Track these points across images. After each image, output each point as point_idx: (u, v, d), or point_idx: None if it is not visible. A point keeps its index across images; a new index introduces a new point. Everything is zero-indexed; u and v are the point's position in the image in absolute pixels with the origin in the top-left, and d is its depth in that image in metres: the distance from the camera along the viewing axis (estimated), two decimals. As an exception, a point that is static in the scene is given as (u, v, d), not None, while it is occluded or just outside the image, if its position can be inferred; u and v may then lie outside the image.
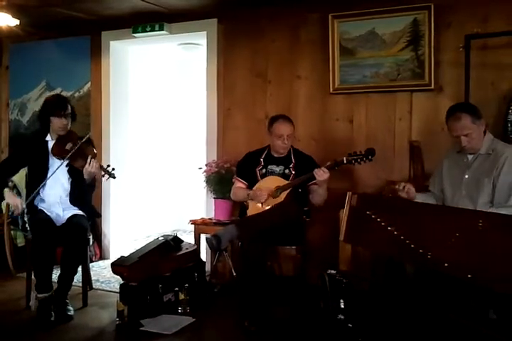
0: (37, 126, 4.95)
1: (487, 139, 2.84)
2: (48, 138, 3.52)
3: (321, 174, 3.28)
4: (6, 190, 3.41)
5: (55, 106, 3.46)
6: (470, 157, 2.87)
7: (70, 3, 4.24)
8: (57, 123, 3.44)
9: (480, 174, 2.78)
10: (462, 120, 2.77)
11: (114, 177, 3.34)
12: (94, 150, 3.49)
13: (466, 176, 2.83)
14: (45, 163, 3.45)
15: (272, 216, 3.28)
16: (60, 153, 3.40)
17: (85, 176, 3.35)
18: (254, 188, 3.51)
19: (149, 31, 4.51)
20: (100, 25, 4.77)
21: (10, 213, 3.42)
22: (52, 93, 5.00)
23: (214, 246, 3.20)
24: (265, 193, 3.41)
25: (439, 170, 3.03)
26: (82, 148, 3.38)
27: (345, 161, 3.31)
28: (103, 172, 3.33)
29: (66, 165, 3.43)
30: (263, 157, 3.62)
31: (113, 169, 3.33)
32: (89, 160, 3.29)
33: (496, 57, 3.50)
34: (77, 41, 4.95)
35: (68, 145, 3.40)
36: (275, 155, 3.61)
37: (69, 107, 3.50)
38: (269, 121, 3.62)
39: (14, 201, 3.38)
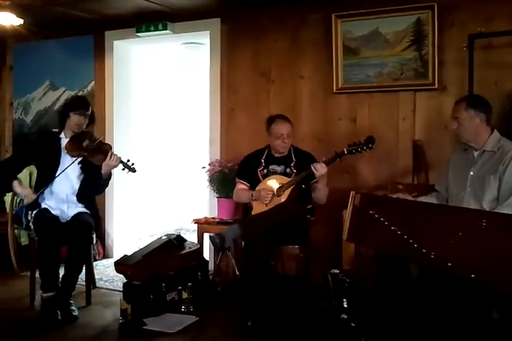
0: (41, 123, 5.04)
1: (494, 137, 2.85)
2: (62, 135, 3.56)
3: (319, 169, 3.27)
4: (15, 182, 3.44)
5: (79, 103, 3.56)
6: (475, 154, 2.87)
7: (74, 3, 4.25)
8: (76, 120, 3.50)
9: (485, 171, 2.79)
10: (458, 104, 2.90)
11: (134, 171, 3.43)
12: (111, 147, 3.57)
13: (472, 173, 2.83)
14: (56, 160, 3.47)
15: (275, 215, 3.28)
16: (76, 149, 3.44)
17: (103, 170, 3.40)
18: (257, 189, 3.51)
19: (153, 31, 4.52)
20: (104, 24, 4.78)
21: (21, 203, 3.48)
22: (56, 92, 5.03)
23: (218, 244, 3.20)
24: (270, 194, 3.41)
25: (446, 169, 3.04)
26: (100, 145, 3.47)
27: (346, 152, 3.30)
28: (123, 166, 3.40)
29: (79, 163, 3.48)
30: (264, 157, 3.63)
31: (133, 164, 3.41)
32: (110, 153, 3.37)
33: (500, 56, 3.49)
34: (81, 41, 4.96)
35: (85, 143, 3.45)
36: (276, 155, 3.61)
37: (90, 109, 3.59)
38: (267, 122, 3.62)
39: (23, 191, 3.41)
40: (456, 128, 2.87)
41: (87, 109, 3.55)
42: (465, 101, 2.88)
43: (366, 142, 3.30)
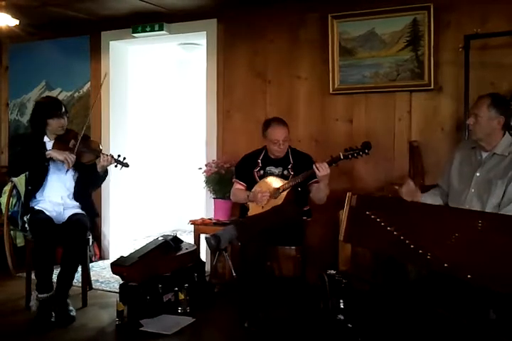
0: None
1: (505, 140, 2.78)
2: (46, 139, 3.51)
3: (322, 169, 3.23)
4: (48, 152, 3.32)
5: (51, 107, 3.46)
6: (484, 155, 2.80)
7: (70, 3, 4.24)
8: (56, 123, 3.44)
9: (493, 174, 2.72)
10: (481, 100, 2.79)
11: (128, 166, 3.39)
12: (99, 143, 3.55)
13: (478, 174, 2.77)
14: (44, 165, 3.44)
15: (271, 217, 3.28)
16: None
17: (99, 169, 3.40)
18: (253, 190, 3.50)
19: (149, 31, 4.52)
20: (100, 25, 4.77)
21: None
22: (52, 93, 5.01)
23: (213, 245, 3.20)
24: (266, 196, 3.40)
25: (449, 164, 2.97)
26: (86, 143, 3.44)
27: (341, 157, 3.28)
28: (115, 163, 3.37)
29: None
30: (261, 158, 3.62)
31: (124, 158, 3.38)
32: (101, 155, 3.36)
33: (496, 57, 3.50)
34: (77, 41, 4.95)
35: (71, 143, 3.41)
36: (273, 157, 3.60)
37: (63, 106, 3.52)
38: (263, 125, 3.58)
39: (63, 155, 3.29)
40: (472, 124, 2.79)
41: (61, 108, 3.47)
42: (489, 99, 2.77)
43: (363, 147, 3.27)
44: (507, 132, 2.82)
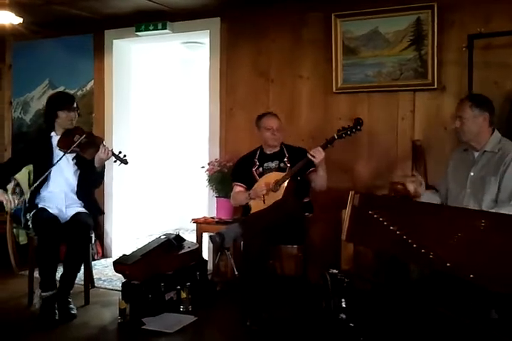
0: (40, 122, 5.01)
1: (494, 137, 2.83)
2: (53, 134, 3.54)
3: (317, 154, 3.29)
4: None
5: (64, 100, 3.53)
6: (476, 154, 2.86)
7: (73, 2, 4.25)
8: (67, 116, 3.48)
9: (486, 172, 2.77)
10: (462, 103, 2.87)
11: (126, 163, 3.40)
12: (103, 140, 3.55)
13: (472, 173, 2.82)
14: (49, 159, 3.45)
15: (273, 213, 3.29)
16: (68, 145, 3.41)
17: (96, 164, 3.40)
18: (253, 187, 3.52)
19: (152, 30, 4.52)
20: (103, 23, 4.77)
21: (9, 209, 3.45)
22: (56, 91, 5.01)
23: (218, 243, 3.21)
24: (264, 187, 3.43)
25: (446, 167, 3.02)
26: (91, 138, 3.46)
27: (336, 137, 3.34)
28: (115, 159, 3.38)
29: (73, 159, 3.47)
30: (257, 157, 3.66)
31: (124, 155, 3.38)
32: (101, 147, 3.35)
33: (499, 56, 3.49)
34: (80, 39, 4.95)
35: (76, 137, 3.42)
36: (268, 152, 3.64)
37: (75, 102, 3.57)
38: (256, 119, 3.68)
39: (3, 196, 3.33)
40: (459, 127, 2.84)
41: (73, 102, 3.54)
42: (469, 100, 2.84)
43: (354, 124, 3.34)
44: (496, 129, 2.87)
